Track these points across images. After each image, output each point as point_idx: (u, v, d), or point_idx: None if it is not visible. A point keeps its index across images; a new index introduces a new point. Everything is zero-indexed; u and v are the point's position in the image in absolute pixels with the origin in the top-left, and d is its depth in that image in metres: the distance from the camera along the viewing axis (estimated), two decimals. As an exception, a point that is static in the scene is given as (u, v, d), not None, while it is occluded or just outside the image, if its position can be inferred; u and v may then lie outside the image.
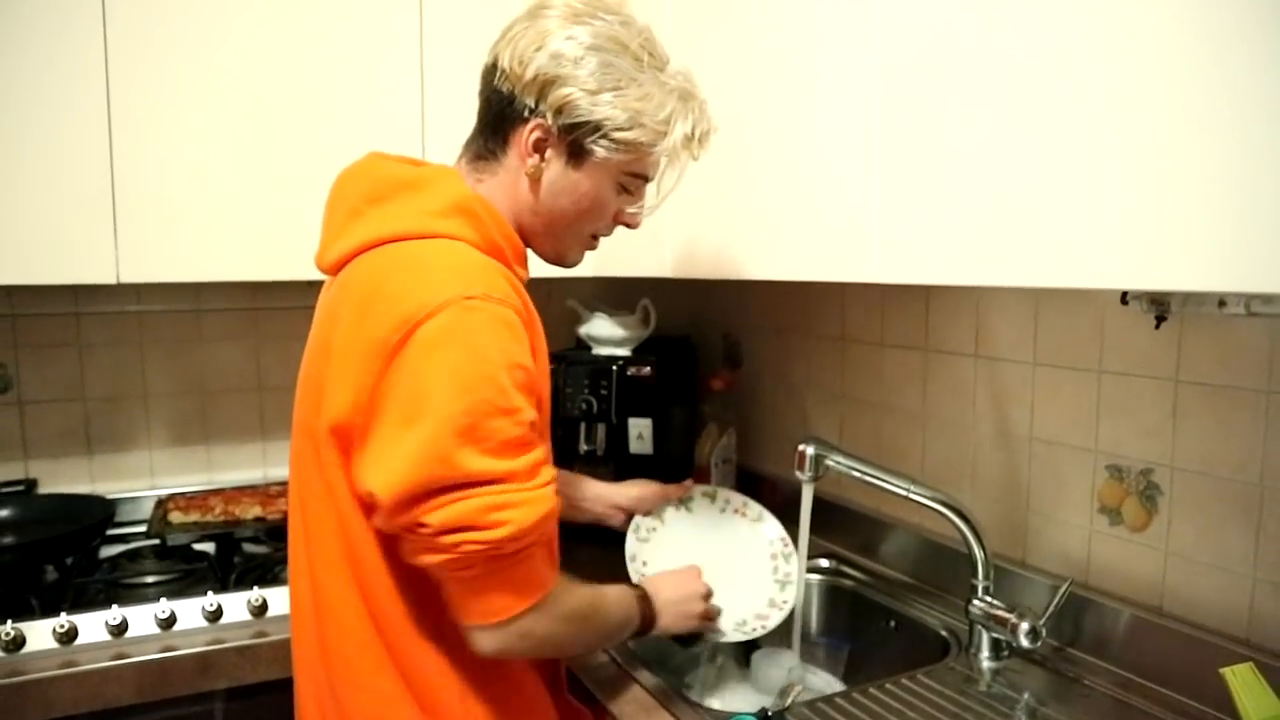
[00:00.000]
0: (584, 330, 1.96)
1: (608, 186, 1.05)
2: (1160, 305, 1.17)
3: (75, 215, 1.47)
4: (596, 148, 1.00)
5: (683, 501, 1.47)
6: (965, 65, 0.97)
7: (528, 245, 1.09)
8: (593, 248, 1.14)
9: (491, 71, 1.03)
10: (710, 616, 1.28)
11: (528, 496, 0.91)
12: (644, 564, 1.37)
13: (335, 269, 1.04)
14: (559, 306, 2.10)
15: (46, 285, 1.52)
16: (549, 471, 0.95)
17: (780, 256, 1.27)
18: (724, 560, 1.39)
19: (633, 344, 1.94)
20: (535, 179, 1.03)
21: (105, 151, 1.48)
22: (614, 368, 1.86)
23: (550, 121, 0.99)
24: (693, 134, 1.03)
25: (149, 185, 1.51)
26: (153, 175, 1.52)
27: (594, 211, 1.06)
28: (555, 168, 1.02)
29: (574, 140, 1.00)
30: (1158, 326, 1.19)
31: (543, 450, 0.95)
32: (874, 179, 1.09)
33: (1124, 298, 1.21)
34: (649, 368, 1.87)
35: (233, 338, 1.96)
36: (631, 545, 1.38)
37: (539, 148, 1.01)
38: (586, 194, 1.04)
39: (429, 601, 0.97)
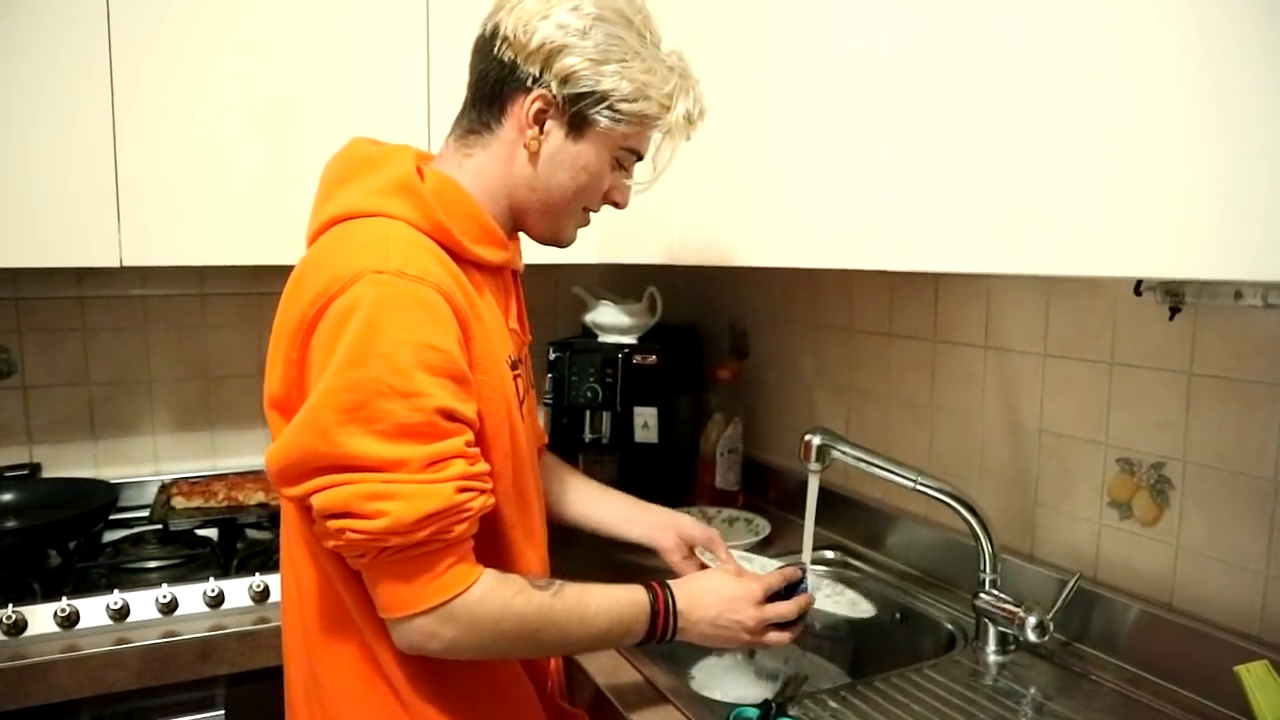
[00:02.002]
0: (590, 318, 1.94)
1: (605, 160, 1.03)
2: (1175, 296, 1.15)
3: (79, 198, 1.46)
4: (600, 118, 0.99)
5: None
6: (977, 50, 0.95)
7: (521, 225, 1.08)
8: (586, 224, 1.11)
9: (489, 41, 1.00)
10: (768, 644, 1.13)
11: (414, 490, 0.86)
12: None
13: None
14: (565, 293, 2.10)
15: (50, 268, 1.51)
16: (459, 467, 0.89)
17: (790, 244, 1.25)
18: None
19: (639, 332, 1.93)
20: (534, 151, 1.01)
21: (109, 135, 1.47)
22: (620, 355, 1.85)
23: (555, 92, 0.97)
24: (693, 112, 1.03)
25: (152, 169, 1.50)
26: (156, 159, 1.50)
27: (590, 187, 1.04)
28: (555, 140, 1.00)
29: (577, 111, 0.98)
30: (1171, 318, 1.17)
31: (455, 444, 0.89)
32: (884, 165, 1.08)
33: (1137, 289, 1.19)
34: (654, 356, 1.86)
35: (236, 323, 1.95)
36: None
37: (539, 119, 0.99)
38: (585, 167, 1.02)
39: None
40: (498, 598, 0.94)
